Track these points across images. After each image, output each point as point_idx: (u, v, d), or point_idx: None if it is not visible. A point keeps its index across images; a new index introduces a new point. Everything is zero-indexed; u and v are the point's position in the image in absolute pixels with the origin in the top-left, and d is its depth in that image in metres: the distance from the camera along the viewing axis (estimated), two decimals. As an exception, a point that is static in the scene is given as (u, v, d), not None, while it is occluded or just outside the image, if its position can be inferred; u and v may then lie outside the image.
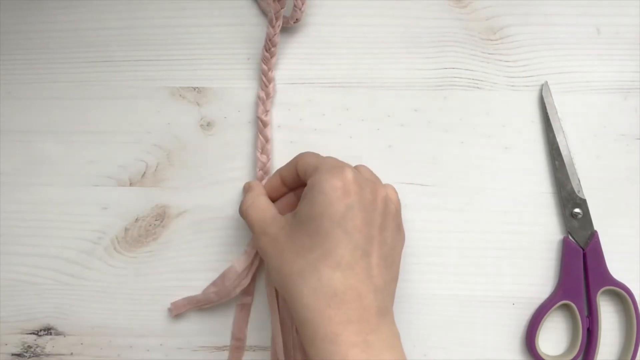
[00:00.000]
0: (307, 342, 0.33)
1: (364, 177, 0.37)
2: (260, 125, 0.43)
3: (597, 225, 0.43)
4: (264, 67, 0.43)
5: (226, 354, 0.44)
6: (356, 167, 0.39)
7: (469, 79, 0.44)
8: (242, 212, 0.39)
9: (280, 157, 0.44)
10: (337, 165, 0.36)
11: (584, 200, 0.43)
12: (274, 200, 0.41)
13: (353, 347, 0.32)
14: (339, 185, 0.35)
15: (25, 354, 0.45)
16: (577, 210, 0.43)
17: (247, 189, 0.41)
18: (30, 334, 0.45)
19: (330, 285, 0.33)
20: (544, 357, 0.42)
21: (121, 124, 0.45)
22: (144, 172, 0.45)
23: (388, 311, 0.35)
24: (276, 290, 0.41)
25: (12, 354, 0.45)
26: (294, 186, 0.40)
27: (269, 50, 0.43)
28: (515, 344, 0.43)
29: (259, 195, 0.40)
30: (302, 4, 0.42)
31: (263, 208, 0.39)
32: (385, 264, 0.36)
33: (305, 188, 0.36)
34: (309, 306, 0.33)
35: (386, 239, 0.36)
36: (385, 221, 0.36)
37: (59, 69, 0.45)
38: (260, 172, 0.43)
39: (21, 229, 0.45)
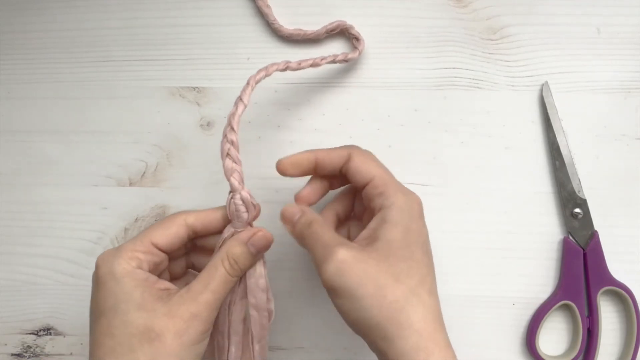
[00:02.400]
0: None
1: None
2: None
3: (598, 225, 0.43)
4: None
5: (226, 354, 0.44)
6: (354, 150, 0.38)
7: (469, 78, 0.44)
8: (312, 231, 0.35)
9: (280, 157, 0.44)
10: (405, 188, 0.36)
11: (584, 200, 0.43)
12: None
13: None
14: (421, 212, 0.36)
15: (25, 354, 0.45)
16: (577, 210, 0.43)
17: (304, 211, 0.36)
18: (30, 334, 0.45)
19: (432, 310, 0.33)
20: (544, 357, 0.42)
21: (121, 124, 0.45)
22: (144, 172, 0.45)
23: None
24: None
25: (12, 354, 0.45)
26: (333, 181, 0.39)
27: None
28: (515, 344, 0.43)
29: (322, 218, 0.36)
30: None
31: (332, 230, 0.35)
32: None
33: (386, 211, 0.34)
34: (421, 332, 0.32)
35: None
36: None
37: (59, 69, 0.45)
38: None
39: (21, 229, 0.45)
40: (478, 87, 0.44)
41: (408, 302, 0.32)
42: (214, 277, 0.34)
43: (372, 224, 0.35)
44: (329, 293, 0.34)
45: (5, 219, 0.45)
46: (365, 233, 0.35)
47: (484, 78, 0.44)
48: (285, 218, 0.36)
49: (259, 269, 0.37)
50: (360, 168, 0.36)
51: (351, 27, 0.44)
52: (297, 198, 0.38)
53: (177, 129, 0.45)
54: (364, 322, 0.32)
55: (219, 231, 0.37)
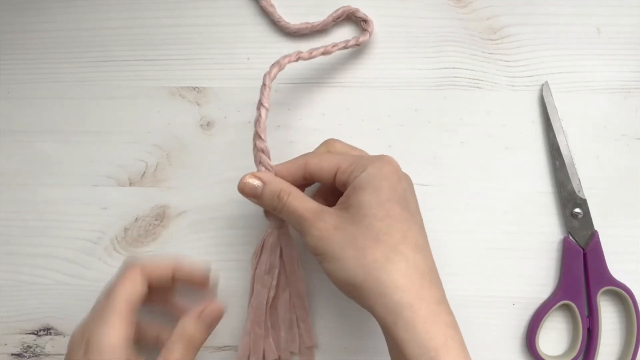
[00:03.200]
0: (404, 326, 0.32)
1: None
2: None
3: (597, 225, 0.43)
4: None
5: (226, 353, 0.44)
6: (332, 143, 0.39)
7: (469, 78, 0.44)
8: (284, 204, 0.36)
9: (281, 158, 0.43)
10: (376, 155, 0.37)
11: (584, 200, 0.43)
12: None
13: (449, 328, 0.33)
14: (394, 169, 0.36)
15: (25, 354, 0.45)
16: (577, 210, 0.43)
17: (266, 182, 0.37)
18: (30, 334, 0.45)
19: (418, 266, 0.33)
20: (544, 357, 0.42)
21: (121, 124, 0.45)
22: (144, 172, 0.45)
23: None
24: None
25: (12, 354, 0.45)
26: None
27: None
28: (515, 344, 0.43)
29: (291, 185, 0.37)
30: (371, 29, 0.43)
31: (304, 198, 0.36)
32: None
33: (356, 181, 0.35)
34: (405, 288, 0.32)
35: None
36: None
37: (59, 69, 0.45)
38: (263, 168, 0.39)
39: (21, 229, 0.45)
40: (478, 87, 0.44)
41: (389, 260, 0.33)
42: None
43: (346, 193, 0.36)
44: (316, 258, 0.35)
45: (5, 219, 0.45)
46: (340, 201, 0.36)
47: (484, 78, 0.44)
48: (246, 193, 0.37)
49: (296, 261, 0.41)
50: (321, 166, 0.37)
51: (357, 10, 0.43)
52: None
53: (177, 129, 0.45)
54: (349, 282, 0.33)
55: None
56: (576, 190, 0.43)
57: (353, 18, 0.44)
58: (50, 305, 0.45)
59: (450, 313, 0.33)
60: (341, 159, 0.37)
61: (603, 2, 0.44)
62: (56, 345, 0.44)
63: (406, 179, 0.37)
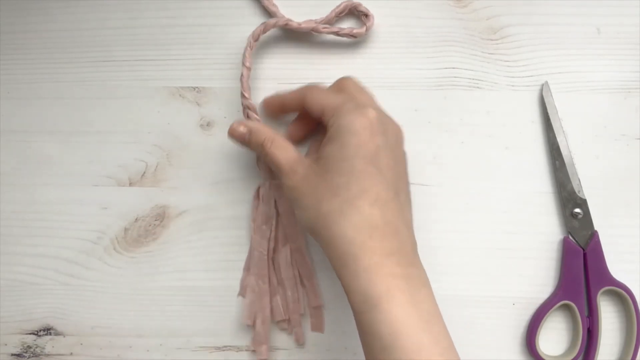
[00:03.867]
0: (349, 275, 0.33)
1: (384, 114, 0.38)
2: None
3: (598, 225, 0.43)
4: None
5: (226, 353, 0.44)
6: (342, 81, 0.40)
7: (469, 78, 0.44)
8: (267, 152, 0.38)
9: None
10: (359, 105, 0.37)
11: (584, 200, 0.43)
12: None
13: (395, 279, 0.33)
14: (367, 124, 0.36)
15: (25, 354, 0.45)
16: (577, 210, 0.43)
17: (252, 130, 0.39)
18: (30, 334, 0.45)
19: (371, 220, 0.34)
20: (544, 357, 0.42)
21: (121, 124, 0.45)
22: (144, 172, 0.45)
23: (416, 247, 0.37)
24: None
25: (12, 354, 0.45)
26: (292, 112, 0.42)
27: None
28: (515, 344, 0.43)
29: (275, 134, 0.39)
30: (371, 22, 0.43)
31: (286, 146, 0.38)
32: (409, 201, 0.38)
33: (331, 130, 0.36)
34: (352, 239, 0.34)
35: (407, 178, 0.39)
36: (405, 159, 0.39)
37: (59, 69, 0.45)
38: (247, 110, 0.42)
39: (21, 229, 0.45)
40: (478, 87, 0.44)
41: (342, 212, 0.34)
42: None
43: (323, 141, 0.37)
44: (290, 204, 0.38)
45: (5, 219, 0.45)
46: (315, 151, 0.38)
47: (484, 78, 0.44)
48: (235, 138, 0.40)
49: (292, 213, 0.42)
50: (312, 102, 0.39)
51: (359, 4, 0.43)
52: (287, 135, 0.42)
53: (177, 129, 0.45)
54: (310, 231, 0.36)
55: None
56: (576, 190, 0.43)
57: (355, 12, 0.44)
58: (50, 305, 0.45)
59: (402, 265, 0.34)
60: (329, 102, 0.38)
61: (603, 2, 0.44)
62: (56, 345, 0.44)
63: (384, 134, 0.36)
